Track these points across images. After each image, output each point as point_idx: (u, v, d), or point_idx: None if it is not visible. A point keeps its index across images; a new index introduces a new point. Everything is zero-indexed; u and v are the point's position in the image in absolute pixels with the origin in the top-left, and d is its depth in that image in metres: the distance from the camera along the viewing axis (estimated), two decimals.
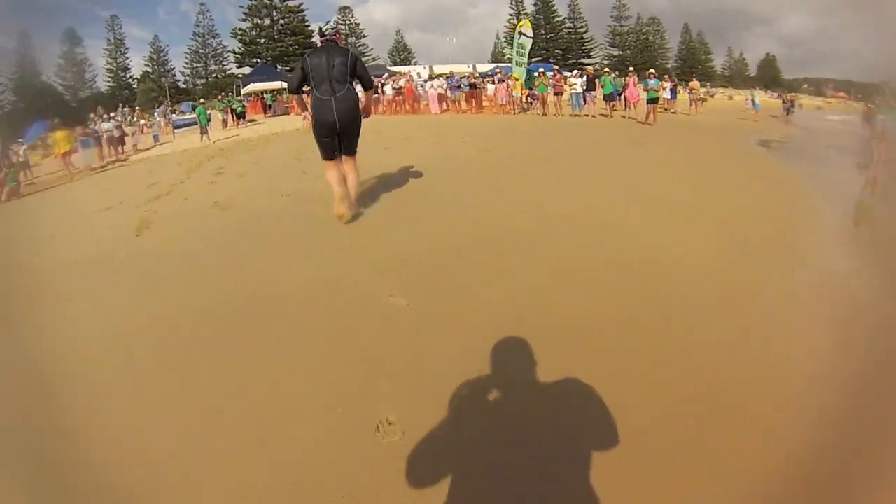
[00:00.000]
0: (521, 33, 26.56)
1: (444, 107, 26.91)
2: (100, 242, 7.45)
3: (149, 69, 78.57)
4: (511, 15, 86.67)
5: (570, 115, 22.53)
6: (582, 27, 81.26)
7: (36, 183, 19.01)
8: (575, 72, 23.78)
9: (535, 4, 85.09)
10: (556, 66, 30.45)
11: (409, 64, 69.20)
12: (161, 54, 79.45)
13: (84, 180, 17.08)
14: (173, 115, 30.88)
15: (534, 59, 78.69)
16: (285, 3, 73.71)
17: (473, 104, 26.52)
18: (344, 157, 6.28)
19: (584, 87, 22.42)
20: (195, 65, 79.78)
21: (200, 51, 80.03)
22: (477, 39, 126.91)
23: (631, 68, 23.69)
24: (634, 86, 22.38)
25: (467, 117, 24.11)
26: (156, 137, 27.15)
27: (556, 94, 23.69)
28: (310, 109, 6.18)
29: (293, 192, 9.09)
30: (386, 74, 36.38)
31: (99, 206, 9.96)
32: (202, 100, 27.16)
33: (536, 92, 23.92)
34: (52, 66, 72.52)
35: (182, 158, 18.05)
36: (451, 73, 30.90)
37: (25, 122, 45.24)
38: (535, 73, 26.05)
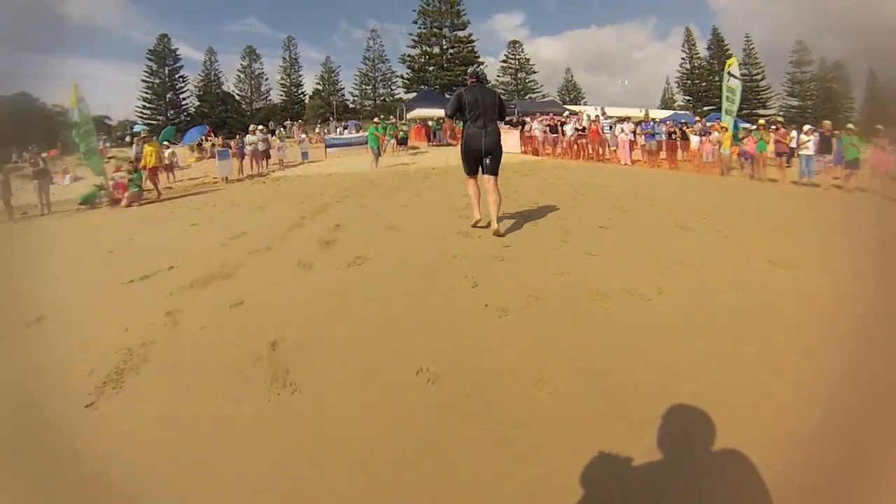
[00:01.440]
0: (729, 74, 20.53)
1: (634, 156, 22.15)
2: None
3: (320, 87, 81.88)
4: (683, 59, 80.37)
5: (791, 181, 16.85)
6: (758, 73, 74.31)
7: (174, 188, 17.18)
8: (807, 127, 17.23)
9: (709, 48, 78.74)
10: (762, 121, 24.06)
11: (579, 103, 64.52)
12: (332, 74, 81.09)
13: (185, 200, 13.58)
14: (328, 134, 27.84)
15: (705, 108, 71.28)
16: (455, 33, 73.95)
17: (671, 157, 20.76)
18: (486, 176, 6.81)
19: (817, 148, 16.56)
20: (364, 87, 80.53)
21: (370, 74, 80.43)
22: (643, 83, 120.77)
23: (879, 126, 16.67)
24: (883, 149, 15.63)
25: (666, 174, 19.17)
26: (304, 155, 24.06)
27: (778, 154, 17.50)
28: (462, 137, 6.83)
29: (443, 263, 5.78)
30: (567, 112, 31.64)
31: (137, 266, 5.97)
32: (376, 119, 22.94)
33: (751, 149, 17.78)
34: (233, 79, 77.37)
35: (318, 186, 14.83)
36: (628, 116, 26.52)
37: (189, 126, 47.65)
38: (743, 126, 20.36)
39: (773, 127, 18.54)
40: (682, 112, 54.61)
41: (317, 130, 36.53)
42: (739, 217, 8.56)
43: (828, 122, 17.64)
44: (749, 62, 74.41)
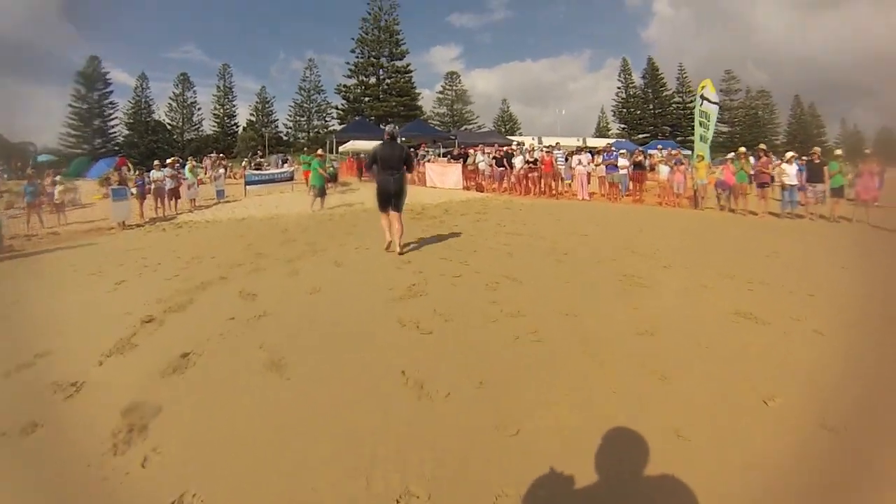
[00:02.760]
0: (703, 98, 18.68)
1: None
2: None
3: (253, 118, 77.38)
4: (619, 88, 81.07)
5: (772, 212, 15.37)
6: (691, 101, 74.92)
7: (60, 234, 14.11)
8: (789, 155, 15.38)
9: (643, 77, 79.92)
10: (742, 149, 22.52)
11: (515, 134, 62.97)
12: (266, 105, 77.42)
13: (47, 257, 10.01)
14: (250, 170, 24.28)
15: (640, 135, 71.77)
16: (393, 63, 71.44)
17: (636, 189, 18.57)
18: (393, 212, 8.24)
19: (806, 178, 14.85)
20: (298, 118, 77.41)
21: (305, 105, 77.33)
22: (577, 113, 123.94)
23: (867, 150, 15.16)
24: (871, 175, 13.97)
25: (631, 208, 16.91)
26: (220, 193, 20.51)
27: (760, 185, 15.55)
28: (377, 182, 8.19)
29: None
30: (515, 144, 29.34)
31: None
32: (320, 151, 19.86)
33: (728, 179, 15.78)
34: (164, 107, 73.73)
35: (228, 236, 11.92)
36: (558, 144, 24.25)
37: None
38: (729, 156, 18.29)
39: (758, 155, 16.57)
40: (622, 140, 53.89)
41: (242, 164, 32.89)
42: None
43: (818, 148, 15.78)
44: (683, 90, 76.41)
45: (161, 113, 72.15)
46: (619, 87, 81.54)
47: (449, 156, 28.09)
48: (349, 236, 10.68)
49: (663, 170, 18.45)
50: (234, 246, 10.24)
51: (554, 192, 19.81)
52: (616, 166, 19.07)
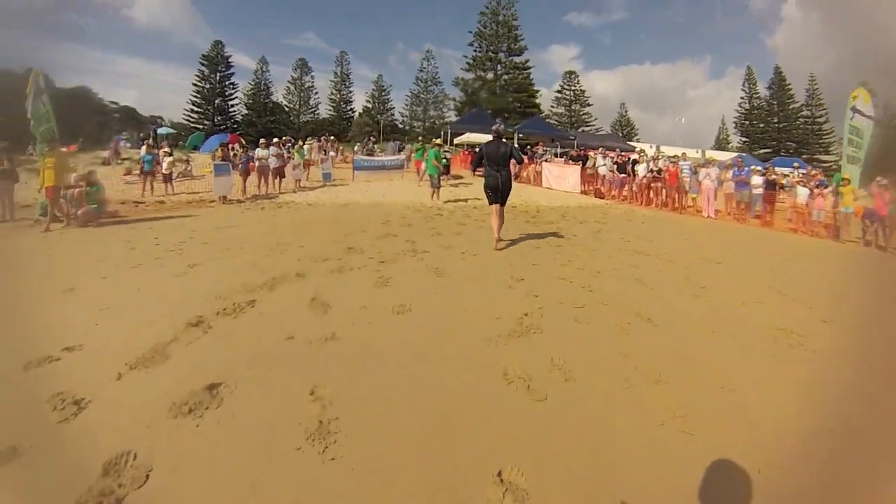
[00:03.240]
0: (854, 110, 15.61)
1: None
2: None
3: (369, 105, 77.63)
4: (742, 98, 74.38)
5: None
6: (821, 116, 68.38)
7: (165, 203, 14.15)
8: None
9: (770, 88, 72.73)
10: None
11: (632, 139, 59.52)
12: (383, 93, 77.46)
13: (146, 225, 9.65)
14: (359, 155, 23.55)
15: (762, 150, 65.24)
16: (511, 59, 69.43)
17: (767, 211, 16.41)
18: (498, 206, 8.56)
19: None
20: (414, 108, 77.18)
21: (421, 95, 76.82)
22: (695, 123, 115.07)
23: None
24: None
25: (762, 233, 14.61)
26: (326, 176, 19.98)
27: None
28: (484, 177, 8.48)
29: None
30: (637, 150, 27.15)
31: None
32: (437, 140, 19.07)
33: (880, 208, 13.08)
34: (282, 90, 76.12)
35: (325, 220, 11.09)
36: (684, 154, 21.25)
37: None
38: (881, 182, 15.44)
39: None
40: (743, 154, 49.14)
41: (355, 149, 32.69)
42: None
43: None
44: (813, 104, 68.80)
45: (279, 96, 74.48)
46: (742, 98, 74.60)
47: (567, 157, 26.29)
48: (457, 237, 9.49)
49: (801, 192, 15.81)
50: (328, 234, 9.39)
51: (677, 205, 17.64)
52: (747, 183, 16.65)
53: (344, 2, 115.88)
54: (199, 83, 67.26)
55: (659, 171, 18.00)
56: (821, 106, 68.38)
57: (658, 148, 35.76)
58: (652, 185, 18.24)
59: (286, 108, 74.17)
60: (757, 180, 16.56)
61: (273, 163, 17.28)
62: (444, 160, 20.20)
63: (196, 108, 66.98)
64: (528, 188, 21.62)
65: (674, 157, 19.13)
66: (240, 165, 16.50)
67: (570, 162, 22.91)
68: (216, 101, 67.96)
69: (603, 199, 19.61)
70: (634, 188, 19.06)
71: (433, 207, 13.96)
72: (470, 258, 7.64)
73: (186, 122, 65.32)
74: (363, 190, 17.83)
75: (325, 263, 6.87)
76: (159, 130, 37.26)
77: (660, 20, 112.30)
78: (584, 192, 20.74)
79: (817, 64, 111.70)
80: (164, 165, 16.87)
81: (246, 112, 70.62)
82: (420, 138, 21.49)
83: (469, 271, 6.86)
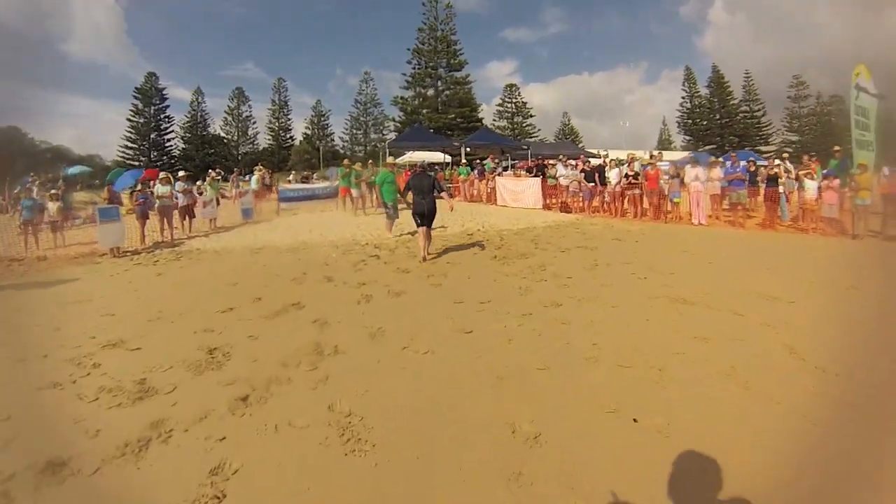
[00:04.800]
0: (859, 88, 13.37)
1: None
2: None
3: (308, 132, 73.47)
4: (684, 98, 74.08)
5: None
6: (759, 110, 69.36)
7: (47, 258, 11.48)
8: None
9: (709, 86, 72.82)
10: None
11: (577, 147, 57.79)
12: (322, 118, 73.78)
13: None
14: (286, 186, 19.95)
15: (706, 147, 65.02)
16: (451, 74, 66.02)
17: (770, 211, 13.99)
18: (424, 228, 9.10)
19: None
20: (354, 131, 73.47)
21: (361, 118, 73.28)
22: (636, 127, 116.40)
23: None
24: None
25: (774, 238, 12.26)
26: (246, 213, 16.52)
27: None
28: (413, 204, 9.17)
29: None
30: (605, 154, 24.80)
31: None
32: (391, 159, 15.75)
33: None
34: (219, 121, 71.08)
35: (221, 280, 8.11)
36: (660, 154, 20.04)
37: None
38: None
39: None
40: (698, 152, 47.90)
41: (288, 178, 29.33)
42: None
43: None
44: (749, 98, 69.71)
45: (217, 127, 70.72)
46: (683, 97, 74.66)
47: (513, 168, 23.62)
48: (395, 301, 6.42)
49: (809, 186, 13.41)
50: (205, 307, 6.22)
51: (661, 214, 15.10)
52: (743, 181, 14.29)
53: (282, 30, 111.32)
54: (133, 118, 63.01)
55: (636, 176, 15.45)
56: (758, 101, 69.36)
57: (607, 152, 33.61)
58: (626, 191, 15.70)
59: (224, 140, 70.03)
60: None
61: (181, 200, 14.02)
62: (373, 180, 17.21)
63: (131, 145, 62.76)
64: (482, 208, 18.70)
65: (651, 158, 16.62)
66: (136, 208, 13.14)
67: (526, 174, 20.10)
68: (151, 136, 63.78)
69: (570, 213, 16.92)
70: (607, 198, 16.48)
71: (368, 245, 10.88)
72: (417, 359, 4.46)
73: (122, 160, 60.35)
74: (289, 226, 14.55)
75: (142, 405, 3.72)
76: (70, 170, 32.60)
77: (594, 31, 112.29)
78: (547, 207, 17.90)
79: (748, 61, 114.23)
80: (51, 212, 13.40)
81: (183, 146, 66.39)
82: (345, 160, 18.17)
83: (416, 400, 3.71)
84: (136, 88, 63.89)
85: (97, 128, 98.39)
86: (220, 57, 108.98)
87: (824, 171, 13.53)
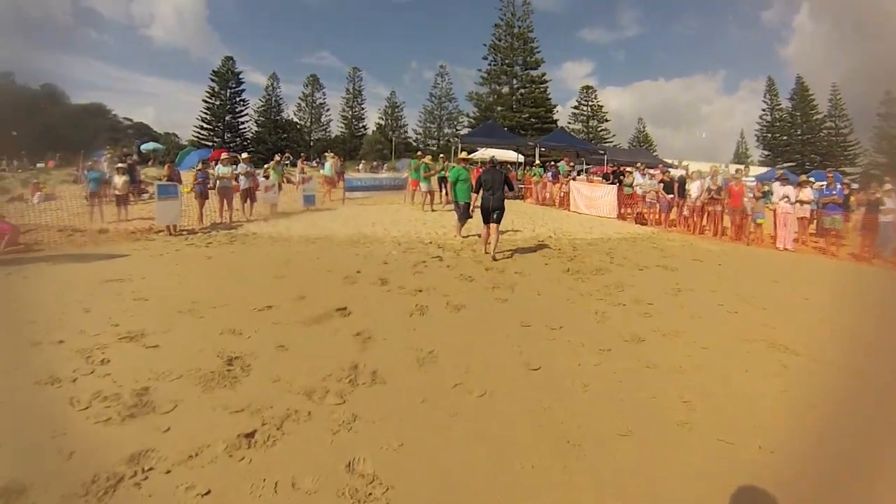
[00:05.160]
0: None
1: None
2: None
3: (382, 122, 73.11)
4: (764, 110, 69.37)
5: None
6: (845, 127, 63.56)
7: (108, 231, 11.28)
8: None
9: (792, 99, 67.87)
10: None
11: (652, 156, 55.31)
12: (396, 109, 73.50)
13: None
14: (354, 175, 19.37)
15: (785, 164, 60.11)
16: (527, 72, 64.46)
17: (867, 240, 12.45)
18: (493, 224, 8.98)
19: None
20: (428, 125, 72.72)
21: (435, 112, 72.37)
22: (711, 138, 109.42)
23: None
24: None
25: (866, 272, 10.89)
26: (308, 199, 16.12)
27: None
28: (481, 200, 9.12)
29: None
30: (684, 164, 23.34)
31: None
32: (463, 154, 14.26)
33: None
34: (293, 106, 72.16)
35: (268, 270, 7.58)
36: (746, 169, 17.37)
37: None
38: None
39: None
40: (765, 169, 44.39)
41: (358, 167, 29.05)
42: None
43: None
44: (835, 114, 63.97)
45: (290, 113, 71.44)
46: (763, 110, 69.49)
47: (586, 174, 22.35)
48: (455, 316, 5.59)
49: None
50: (246, 301, 5.65)
51: (741, 235, 13.67)
52: (839, 205, 12.76)
53: (360, 20, 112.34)
54: (209, 100, 64.11)
55: (718, 191, 14.08)
56: (844, 117, 63.54)
57: (679, 162, 31.59)
58: (707, 206, 14.34)
59: (297, 126, 71.14)
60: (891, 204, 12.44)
61: (243, 183, 13.78)
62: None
63: (206, 125, 63.88)
64: (554, 212, 17.73)
65: (737, 173, 15.13)
66: (195, 187, 12.98)
67: (602, 180, 18.88)
68: (226, 118, 64.81)
69: (645, 224, 15.69)
70: (685, 212, 15.14)
71: (432, 244, 10.11)
72: (471, 403, 3.57)
73: (196, 140, 62.29)
74: (351, 216, 14.00)
75: (131, 425, 3.07)
76: (144, 146, 33.61)
77: (673, 35, 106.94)
78: (621, 217, 16.74)
79: (832, 74, 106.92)
80: (117, 185, 13.41)
81: (256, 129, 67.47)
82: (419, 153, 17.41)
83: (464, 471, 2.81)
84: (213, 71, 64.92)
85: (175, 108, 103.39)
86: (297, 45, 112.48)
87: None
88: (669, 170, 17.79)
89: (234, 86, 65.67)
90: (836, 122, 64.41)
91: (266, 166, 16.67)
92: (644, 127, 75.92)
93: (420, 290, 6.40)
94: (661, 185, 15.59)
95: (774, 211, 13.41)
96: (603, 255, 9.65)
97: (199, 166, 13.57)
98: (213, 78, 64.70)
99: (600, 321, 5.47)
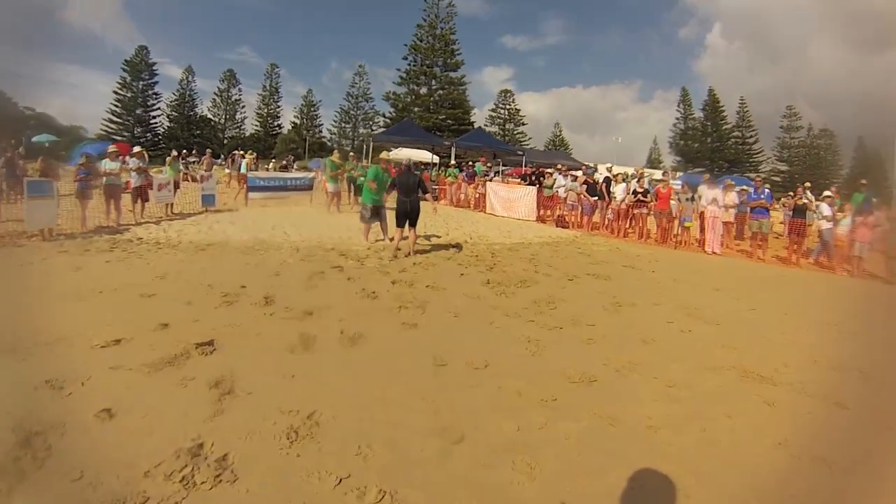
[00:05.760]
0: None
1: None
2: None
3: (297, 121, 70.85)
4: (678, 119, 72.89)
5: None
6: (751, 136, 68.47)
7: None
8: None
9: (704, 109, 71.77)
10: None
11: (570, 158, 56.28)
12: (312, 108, 71.53)
13: None
14: (257, 174, 17.48)
15: (695, 170, 63.62)
16: (447, 74, 63.78)
17: (794, 244, 12.45)
18: (410, 228, 8.94)
19: None
20: (343, 125, 71.17)
21: (351, 112, 71.04)
22: (625, 144, 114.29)
23: None
24: None
25: (797, 275, 10.82)
26: (207, 199, 14.44)
27: None
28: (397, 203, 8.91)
29: None
30: (609, 166, 23.23)
31: None
32: (384, 155, 11.77)
33: None
34: (208, 102, 68.83)
35: (139, 290, 5.85)
36: (669, 171, 19.26)
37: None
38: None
39: None
40: (688, 174, 46.52)
41: (268, 167, 27.37)
42: None
43: None
44: (743, 125, 69.08)
45: (205, 109, 68.07)
46: (677, 118, 73.31)
47: (516, 176, 21.76)
48: (351, 350, 4.43)
49: (843, 221, 11.93)
50: (105, 328, 4.27)
51: (667, 238, 13.47)
52: (767, 209, 12.73)
53: (281, 18, 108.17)
54: (120, 91, 60.00)
55: (645, 193, 13.80)
56: (751, 127, 68.55)
57: (595, 166, 31.93)
58: (632, 210, 14.02)
59: (212, 122, 67.36)
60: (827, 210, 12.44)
61: (135, 180, 12.11)
62: (360, 178, 15.14)
63: (115, 118, 59.71)
64: (469, 214, 16.87)
65: (664, 175, 14.91)
66: (77, 185, 11.19)
67: (521, 182, 18.30)
68: (137, 112, 60.76)
69: (567, 228, 15.20)
70: (610, 215, 14.81)
71: (333, 251, 8.90)
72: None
73: (105, 134, 57.33)
74: (252, 219, 12.53)
75: None
76: (35, 138, 29.74)
77: (593, 45, 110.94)
78: (541, 220, 16.10)
79: (742, 88, 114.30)
80: None
81: (169, 124, 63.63)
82: (334, 151, 16.02)
83: None
84: (125, 61, 60.95)
85: (88, 98, 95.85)
86: (217, 38, 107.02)
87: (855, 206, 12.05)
88: (594, 172, 17.37)
89: (147, 77, 61.87)
90: (742, 132, 69.24)
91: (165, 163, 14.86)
92: (560, 131, 77.37)
93: (310, 313, 5.16)
94: (585, 186, 15.13)
95: (702, 214, 13.27)
96: (526, 263, 8.75)
97: (83, 160, 11.70)
98: (125, 68, 60.70)
99: (535, 353, 4.44)
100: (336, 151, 16.37)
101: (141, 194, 12.29)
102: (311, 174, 18.05)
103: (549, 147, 72.20)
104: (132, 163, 12.36)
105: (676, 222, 13.50)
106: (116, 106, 60.08)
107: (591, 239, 12.99)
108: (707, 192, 12.99)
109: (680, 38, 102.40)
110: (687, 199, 13.34)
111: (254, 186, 15.67)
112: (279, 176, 17.25)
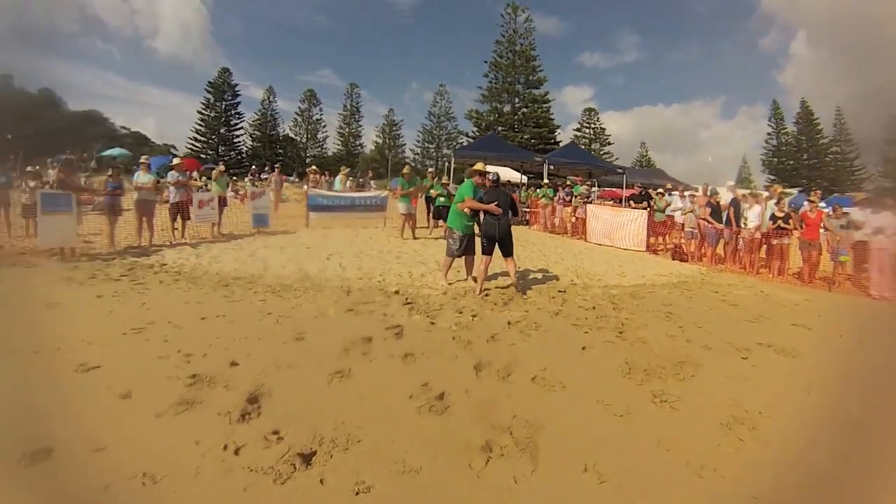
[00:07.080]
0: None
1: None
2: None
3: (379, 140, 70.89)
4: (770, 135, 66.52)
5: None
6: (850, 152, 62.18)
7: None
8: None
9: (796, 123, 65.03)
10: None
11: (668, 177, 51.93)
12: (393, 127, 71.08)
13: None
14: (315, 190, 15.28)
15: (792, 187, 56.82)
16: (529, 91, 61.15)
17: None
18: (506, 258, 7.39)
19: None
20: (426, 144, 70.01)
21: (434, 131, 69.87)
22: (711, 163, 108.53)
23: None
24: None
25: None
26: (259, 219, 12.69)
27: None
28: (482, 226, 7.28)
29: None
30: (727, 187, 19.73)
31: None
32: (478, 166, 8.99)
33: None
34: (290, 122, 69.38)
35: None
36: (818, 192, 14.08)
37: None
38: None
39: None
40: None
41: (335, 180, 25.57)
42: None
43: None
44: (841, 139, 61.35)
45: (287, 128, 68.95)
46: (769, 134, 66.54)
47: (631, 199, 18.72)
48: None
49: None
50: None
51: (814, 275, 10.28)
52: None
53: (361, 41, 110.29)
54: (203, 111, 61.37)
55: (786, 219, 10.64)
56: (850, 141, 61.36)
57: (685, 187, 28.21)
58: (773, 241, 10.87)
59: (293, 141, 68.17)
60: None
61: (173, 195, 10.44)
62: (444, 197, 12.75)
63: (200, 137, 60.98)
64: (568, 243, 14.16)
65: (812, 197, 11.54)
66: (104, 199, 9.61)
67: (632, 204, 15.41)
68: (221, 130, 61.87)
69: (685, 261, 12.15)
70: (741, 246, 11.63)
71: (397, 295, 6.55)
72: None
73: (190, 152, 58.99)
74: (307, 245, 10.47)
75: None
76: (107, 151, 29.82)
77: (671, 61, 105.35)
78: (652, 251, 13.27)
79: (833, 99, 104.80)
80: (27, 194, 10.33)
81: (252, 143, 64.62)
82: (406, 168, 13.67)
83: None
84: (208, 82, 62.34)
85: (177, 121, 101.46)
86: (298, 62, 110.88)
87: None
88: (715, 195, 14.02)
89: (229, 98, 62.81)
90: (841, 147, 61.99)
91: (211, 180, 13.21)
92: (647, 151, 73.05)
93: (313, 453, 2.71)
94: (709, 209, 12.03)
95: (854, 245, 10.10)
96: (664, 322, 6.03)
97: (111, 172, 10.09)
98: (209, 89, 61.90)
99: None
100: (407, 166, 14.07)
101: (181, 211, 10.62)
102: (385, 193, 15.89)
103: (637, 167, 67.93)
104: (171, 176, 10.76)
105: (827, 256, 10.36)
106: (200, 125, 61.36)
107: (722, 278, 10.01)
108: (868, 218, 9.72)
109: (761, 48, 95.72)
110: (841, 227, 10.18)
111: (315, 206, 13.69)
112: (349, 195, 15.12)
